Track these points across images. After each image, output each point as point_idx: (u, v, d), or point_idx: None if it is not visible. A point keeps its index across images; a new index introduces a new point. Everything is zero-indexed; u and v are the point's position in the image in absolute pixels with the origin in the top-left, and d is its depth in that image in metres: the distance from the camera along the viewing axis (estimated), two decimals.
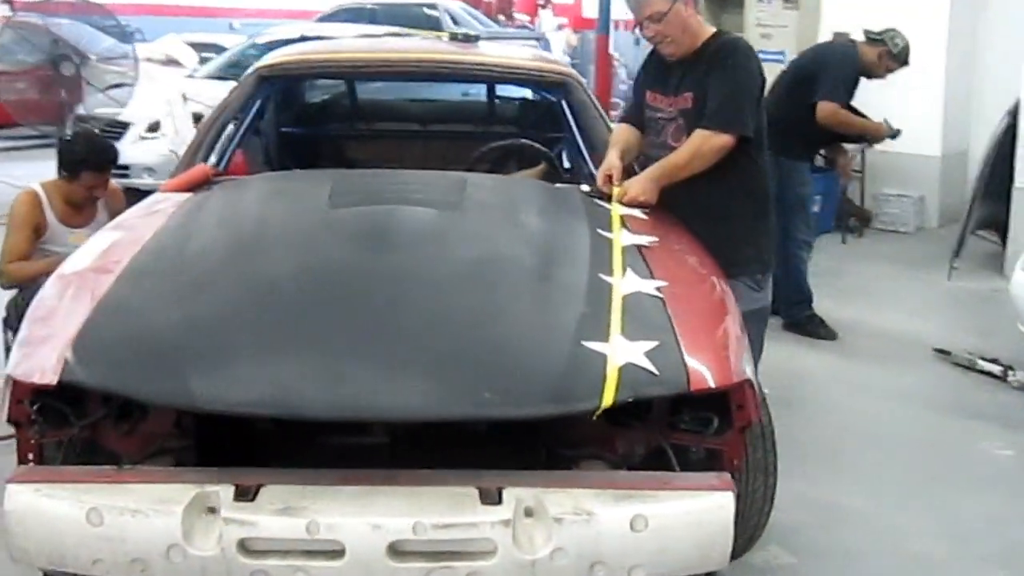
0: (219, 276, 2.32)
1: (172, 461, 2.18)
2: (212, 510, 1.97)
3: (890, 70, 5.00)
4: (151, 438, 2.22)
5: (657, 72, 3.18)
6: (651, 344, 2.18)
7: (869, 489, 3.44)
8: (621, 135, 3.27)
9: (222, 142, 3.49)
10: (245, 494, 1.97)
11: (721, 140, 2.94)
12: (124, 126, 7.33)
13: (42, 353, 2.12)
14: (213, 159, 3.42)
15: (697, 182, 3.01)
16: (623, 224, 2.81)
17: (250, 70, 3.78)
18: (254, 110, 3.66)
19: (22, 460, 2.20)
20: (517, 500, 1.98)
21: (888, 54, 4.91)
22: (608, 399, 2.05)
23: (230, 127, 3.54)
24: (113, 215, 4.09)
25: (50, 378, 2.06)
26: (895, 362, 4.72)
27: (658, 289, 2.41)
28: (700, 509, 2.04)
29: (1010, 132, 5.86)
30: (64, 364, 2.06)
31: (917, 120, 6.55)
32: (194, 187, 3.18)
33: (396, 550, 1.92)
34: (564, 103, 3.73)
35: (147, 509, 1.93)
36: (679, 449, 2.26)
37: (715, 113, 2.95)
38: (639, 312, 2.29)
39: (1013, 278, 4.39)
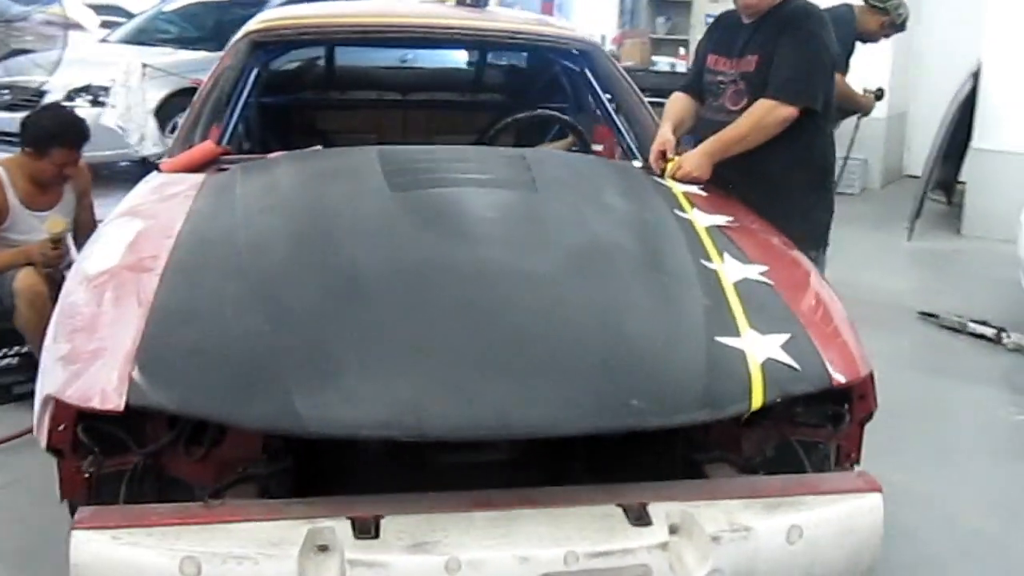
0: (295, 275, 2.01)
1: (256, 491, 1.89)
2: (324, 548, 1.70)
3: (886, 36, 4.90)
4: (227, 465, 1.92)
5: (722, 36, 3.01)
6: (783, 337, 1.99)
7: (901, 462, 3.34)
8: (676, 106, 3.07)
9: (218, 115, 3.14)
10: (366, 529, 1.70)
11: (786, 112, 2.76)
12: (40, 95, 6.74)
13: (97, 372, 1.79)
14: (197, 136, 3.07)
15: (755, 152, 2.83)
16: (690, 203, 2.61)
17: (239, 35, 3.39)
18: (250, 79, 3.30)
19: (67, 496, 1.89)
20: (666, 518, 1.78)
21: (891, 24, 4.80)
22: (758, 400, 1.85)
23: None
24: (81, 195, 3.69)
25: (115, 402, 1.73)
26: (884, 326, 4.65)
27: (762, 274, 2.22)
28: (852, 514, 1.87)
29: (972, 95, 5.89)
30: (130, 385, 1.75)
31: (866, 83, 6.55)
32: (200, 166, 2.85)
33: None
34: (589, 72, 3.48)
35: (255, 554, 1.64)
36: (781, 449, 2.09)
37: (782, 83, 2.76)
38: (756, 301, 2.10)
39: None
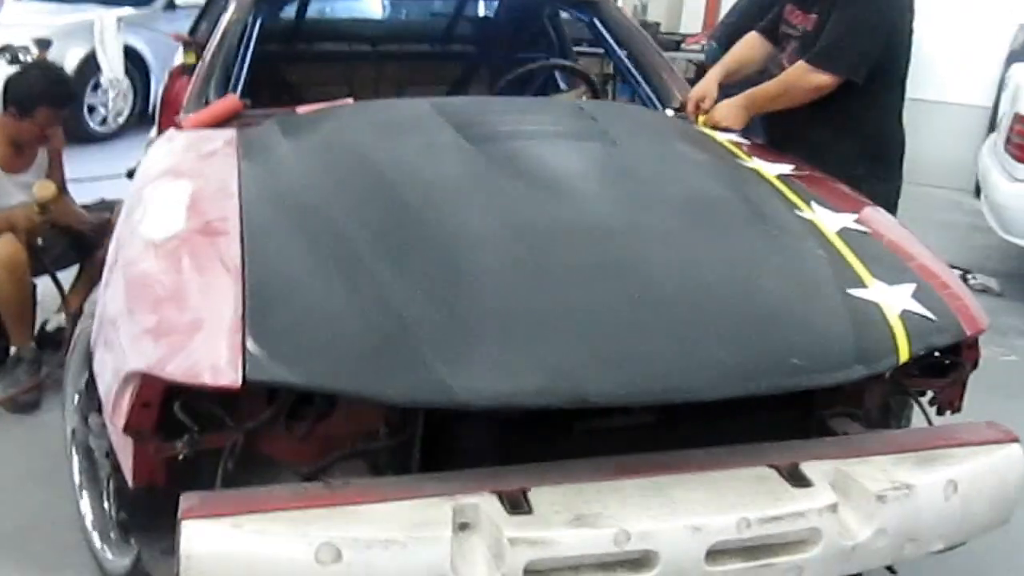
0: (400, 237, 1.80)
1: (366, 468, 1.70)
2: (465, 527, 1.53)
3: None
4: (330, 441, 1.73)
5: None
6: (910, 287, 1.88)
7: None
8: (739, 51, 2.91)
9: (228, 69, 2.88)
10: (517, 504, 1.54)
11: (819, 79, 2.57)
12: None
13: (201, 345, 1.58)
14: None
15: (797, 115, 2.66)
16: (744, 152, 2.48)
17: None
18: (256, 32, 3.04)
19: (142, 481, 1.68)
20: (824, 477, 1.66)
21: None
22: (904, 353, 1.74)
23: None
24: (53, 156, 3.39)
25: (231, 377, 1.52)
26: None
27: (856, 223, 2.11)
28: (998, 465, 1.78)
29: None
30: (245, 358, 1.54)
31: None
32: (223, 122, 2.61)
33: (713, 552, 1.56)
34: (598, 22, 3.31)
35: (403, 538, 1.46)
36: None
37: (823, 49, 2.57)
38: (866, 251, 1.98)
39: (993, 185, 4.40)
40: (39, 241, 3.23)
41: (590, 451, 1.70)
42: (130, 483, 1.69)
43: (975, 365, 2.01)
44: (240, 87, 2.84)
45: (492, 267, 1.73)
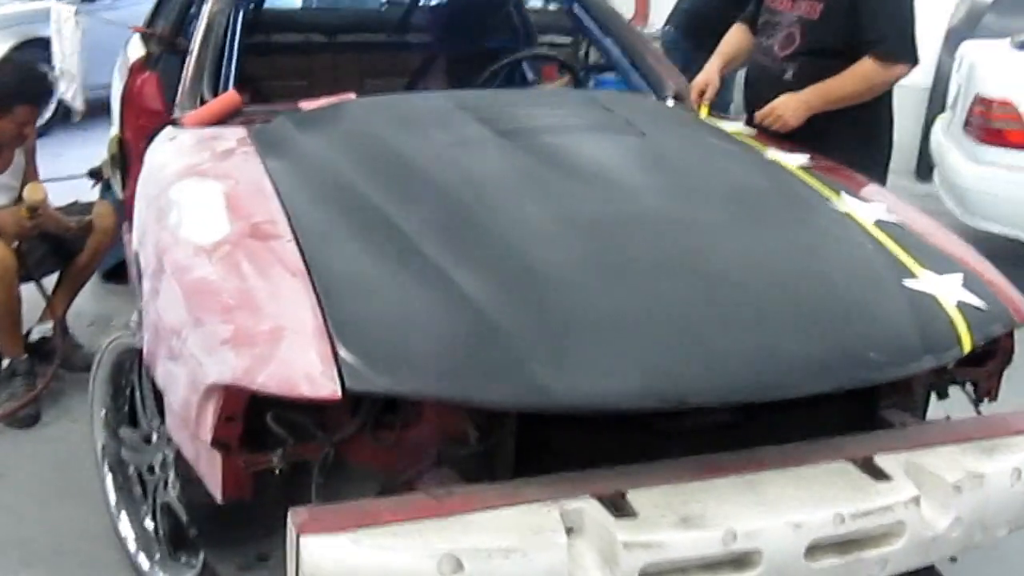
0: (464, 236, 1.78)
1: (456, 476, 1.67)
2: (571, 531, 1.52)
3: None
4: (416, 448, 1.69)
5: None
6: (958, 277, 1.93)
7: None
8: (732, 40, 2.91)
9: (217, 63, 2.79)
10: (620, 507, 1.53)
11: (899, 71, 2.59)
12: None
13: (288, 355, 1.52)
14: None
15: (789, 88, 2.64)
16: (758, 142, 2.52)
17: None
18: (239, 23, 2.95)
19: (231, 495, 1.62)
20: (901, 470, 1.70)
21: None
22: (967, 343, 1.79)
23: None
24: (28, 156, 3.23)
25: (330, 388, 1.48)
26: None
27: (889, 212, 2.16)
28: None
29: None
30: (341, 367, 1.49)
31: None
32: (224, 118, 2.53)
33: (811, 548, 1.58)
34: (580, 10, 3.29)
35: (522, 545, 1.44)
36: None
37: (895, 41, 2.57)
38: (907, 241, 2.02)
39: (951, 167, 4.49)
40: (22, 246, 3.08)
41: (668, 450, 1.70)
42: (218, 498, 1.63)
43: (1012, 353, 2.08)
44: (231, 82, 2.76)
45: (568, 264, 1.72)
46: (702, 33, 3.18)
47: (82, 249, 3.24)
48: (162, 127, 3.65)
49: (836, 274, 1.83)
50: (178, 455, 1.93)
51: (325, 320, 1.57)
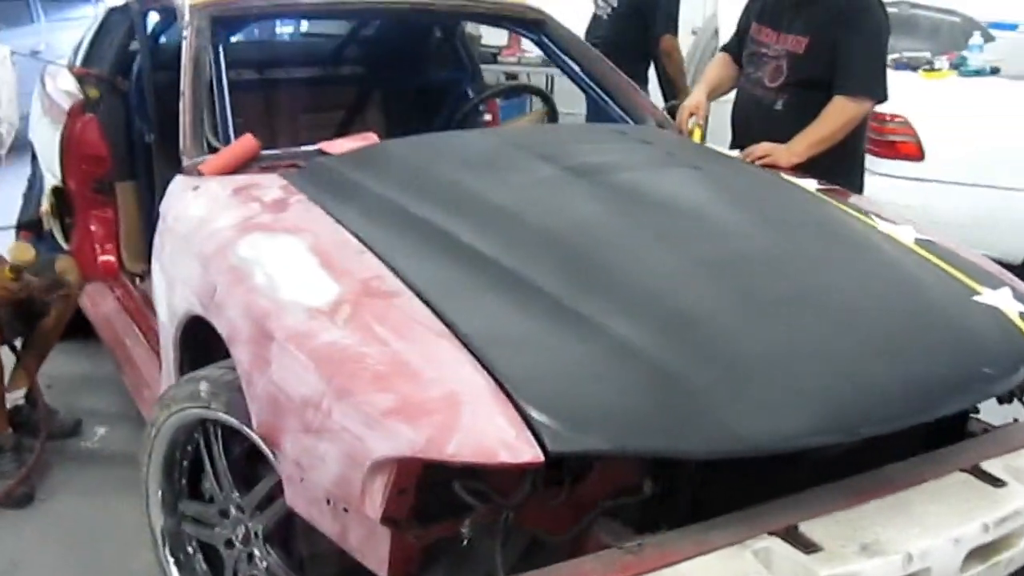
0: (599, 281, 1.70)
1: (625, 527, 1.58)
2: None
3: None
4: (585, 503, 1.60)
5: (770, 4, 2.83)
6: (1008, 290, 2.02)
7: None
8: (715, 69, 2.96)
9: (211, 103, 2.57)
10: (802, 541, 1.50)
11: (865, 108, 2.70)
12: None
13: (474, 421, 1.41)
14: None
15: (782, 130, 2.69)
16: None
17: (190, 11, 2.73)
18: (223, 62, 2.73)
19: (400, 570, 1.50)
20: (1008, 474, 1.75)
21: None
22: None
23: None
24: None
25: (531, 453, 1.37)
26: None
27: (918, 231, 2.23)
28: None
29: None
30: (539, 430, 1.39)
31: None
32: (243, 165, 2.34)
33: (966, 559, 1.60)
34: (548, 41, 3.23)
35: None
36: None
37: (860, 78, 2.66)
38: (951, 259, 2.10)
39: None
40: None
41: (794, 479, 1.69)
42: (382, 575, 1.49)
43: None
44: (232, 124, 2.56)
45: (715, 305, 1.68)
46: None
47: (47, 309, 2.93)
48: (104, 175, 3.42)
49: (934, 297, 1.87)
50: (283, 527, 1.79)
51: (498, 382, 1.47)
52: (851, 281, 1.85)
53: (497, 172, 2.12)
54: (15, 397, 2.90)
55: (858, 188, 2.90)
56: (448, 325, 1.59)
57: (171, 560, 2.09)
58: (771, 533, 1.52)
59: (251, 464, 1.95)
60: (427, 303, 1.65)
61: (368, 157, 2.27)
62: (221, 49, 2.71)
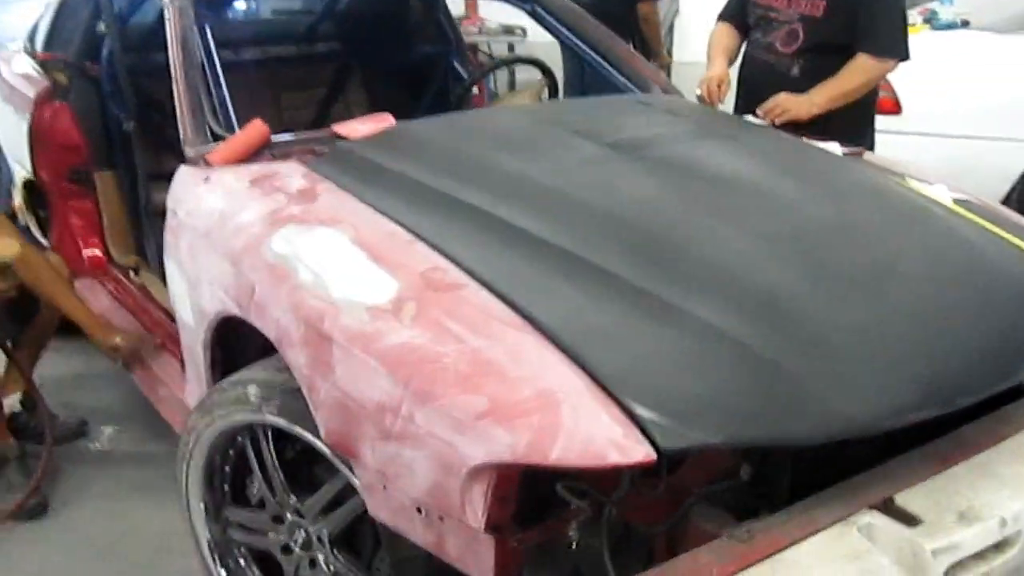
0: (675, 264, 1.61)
1: (725, 513, 1.51)
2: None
3: None
4: (681, 492, 1.53)
5: None
6: None
7: None
8: (723, 40, 2.84)
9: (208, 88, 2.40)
10: (901, 515, 1.45)
11: (888, 67, 2.63)
12: None
13: (576, 422, 1.32)
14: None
15: (800, 88, 2.62)
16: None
17: None
18: (211, 43, 2.55)
19: (507, 573, 1.42)
20: None
21: None
22: None
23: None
24: None
25: (643, 451, 1.29)
26: None
27: (951, 190, 2.18)
28: None
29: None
30: (647, 427, 1.30)
31: None
32: (253, 153, 2.19)
33: None
34: (542, 11, 3.10)
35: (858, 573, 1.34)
36: None
37: (889, 40, 2.59)
38: (997, 219, 2.02)
39: None
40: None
41: (863, 452, 1.64)
42: None
43: None
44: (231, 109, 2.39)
45: (795, 283, 1.60)
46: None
47: (37, 307, 2.73)
48: (80, 165, 3.20)
49: (993, 258, 1.82)
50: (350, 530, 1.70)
51: (594, 378, 1.38)
52: (914, 248, 1.79)
53: (537, 151, 2.00)
54: (10, 403, 2.72)
55: (870, 147, 2.85)
56: (526, 318, 1.49)
57: (223, 572, 1.99)
58: (870, 507, 1.47)
59: (305, 466, 1.85)
60: (497, 294, 1.55)
61: (393, 140, 2.13)
62: (207, 29, 2.53)
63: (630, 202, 1.80)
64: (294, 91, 3.75)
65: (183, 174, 2.21)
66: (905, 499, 1.49)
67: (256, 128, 2.23)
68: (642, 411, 1.33)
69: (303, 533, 1.83)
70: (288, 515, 1.85)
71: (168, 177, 3.36)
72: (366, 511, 1.69)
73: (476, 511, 1.36)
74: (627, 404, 1.34)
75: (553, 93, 3.07)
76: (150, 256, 3.11)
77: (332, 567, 1.79)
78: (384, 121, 2.30)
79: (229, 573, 2.00)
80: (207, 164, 2.18)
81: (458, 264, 1.63)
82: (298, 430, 1.72)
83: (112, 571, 2.29)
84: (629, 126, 2.16)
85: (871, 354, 1.50)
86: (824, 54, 2.63)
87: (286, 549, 1.87)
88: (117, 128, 3.13)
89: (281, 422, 1.75)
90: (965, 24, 4.18)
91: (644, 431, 1.31)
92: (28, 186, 3.38)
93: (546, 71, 3.14)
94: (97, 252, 3.21)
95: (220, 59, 3.63)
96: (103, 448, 2.83)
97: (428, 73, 3.61)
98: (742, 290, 1.57)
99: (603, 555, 1.42)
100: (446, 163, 1.97)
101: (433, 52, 3.59)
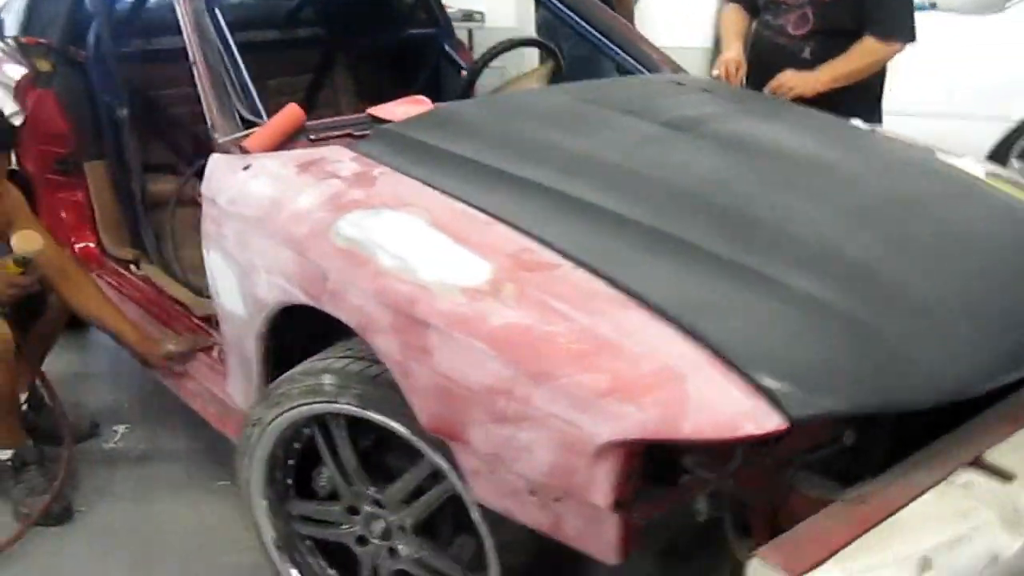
0: (759, 236, 1.62)
1: (823, 480, 1.53)
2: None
3: None
4: (780, 461, 1.54)
5: None
6: None
7: None
8: (736, 23, 2.85)
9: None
10: (993, 470, 1.49)
11: (895, 49, 2.66)
12: None
13: (702, 395, 1.32)
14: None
15: (806, 66, 2.67)
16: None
17: None
18: (224, 26, 2.45)
19: (626, 554, 1.42)
20: None
21: None
22: None
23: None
24: (5, 224, 2.50)
25: (775, 421, 1.30)
26: None
27: (976, 162, 2.23)
28: None
29: None
30: (773, 396, 1.31)
31: None
32: (289, 138, 2.13)
33: None
34: None
35: (967, 531, 1.36)
36: None
37: (895, 23, 2.63)
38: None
39: None
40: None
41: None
42: (613, 560, 1.41)
43: None
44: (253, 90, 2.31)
45: (880, 254, 1.62)
46: None
47: (44, 304, 2.61)
48: (66, 155, 3.06)
49: None
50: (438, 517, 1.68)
51: (711, 351, 1.38)
52: (975, 218, 1.83)
53: (592, 130, 1.98)
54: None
55: (879, 124, 2.90)
56: (629, 294, 1.48)
57: (290, 567, 1.94)
58: (966, 466, 1.50)
59: (376, 456, 1.82)
60: (593, 272, 1.53)
61: (439, 121, 2.08)
62: (218, 13, 2.44)
63: (703, 178, 1.80)
64: (279, 77, 3.65)
65: (218, 162, 2.13)
66: (994, 455, 1.53)
67: (293, 113, 2.16)
68: (769, 381, 1.34)
69: (382, 523, 1.80)
70: (365, 506, 1.81)
71: (157, 168, 3.32)
72: (450, 497, 1.68)
73: (603, 489, 1.35)
74: (751, 375, 1.34)
75: (557, 74, 3.05)
76: (149, 248, 3.00)
77: (417, 555, 1.77)
78: (421, 103, 2.26)
79: (297, 568, 1.95)
80: (242, 151, 2.11)
81: (545, 243, 1.61)
82: (380, 418, 1.68)
83: (148, 571, 2.21)
84: (675, 105, 2.17)
85: (967, 318, 1.53)
86: (834, 37, 2.67)
87: (362, 540, 1.84)
88: (108, 116, 3.00)
89: (361, 411, 1.70)
90: (933, 6, 4.31)
91: (772, 401, 1.32)
92: (11, 176, 3.21)
93: (552, 52, 3.12)
94: (91, 245, 3.08)
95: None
96: (117, 447, 2.72)
97: (418, 56, 3.55)
98: (833, 261, 1.59)
99: (712, 528, 1.43)
100: (504, 143, 1.94)
101: (423, 35, 3.54)
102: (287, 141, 2.12)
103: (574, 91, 2.26)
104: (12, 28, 3.35)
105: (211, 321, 2.44)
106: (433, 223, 1.70)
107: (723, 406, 1.32)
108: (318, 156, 2.02)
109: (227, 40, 2.36)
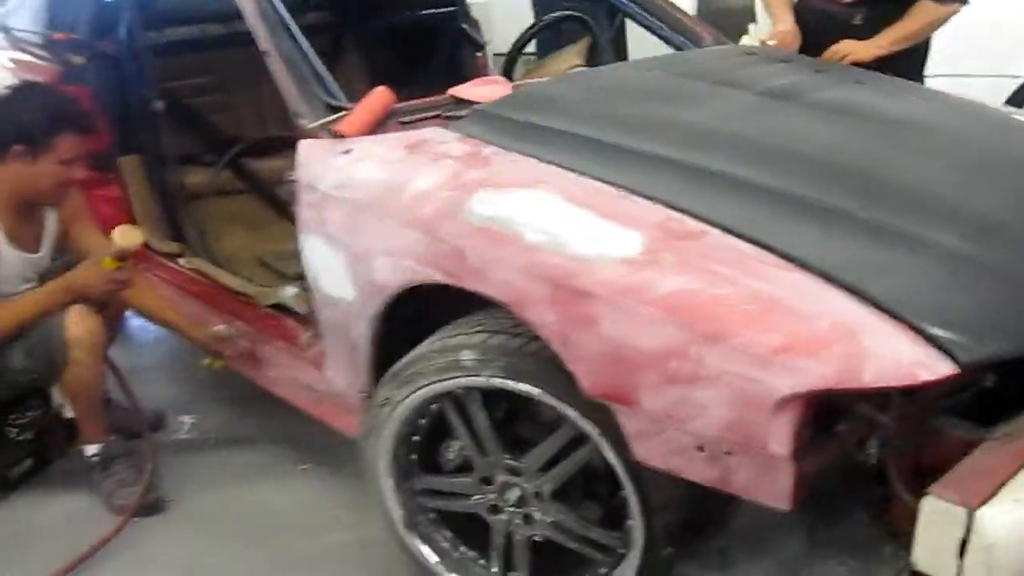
0: (889, 197, 1.70)
1: (964, 423, 1.59)
2: None
3: None
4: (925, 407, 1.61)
5: None
6: None
7: None
8: None
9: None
10: None
11: (951, 10, 2.72)
12: None
13: (875, 347, 1.40)
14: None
15: (861, 37, 2.72)
16: None
17: None
18: (284, 11, 2.42)
19: (798, 504, 1.50)
20: None
21: None
22: None
23: None
24: (68, 223, 2.45)
25: (946, 367, 1.38)
26: None
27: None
28: None
29: None
30: (940, 344, 1.40)
31: None
32: (381, 122, 2.14)
33: None
34: None
35: None
36: None
37: None
38: None
39: None
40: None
41: None
42: (786, 507, 1.49)
43: None
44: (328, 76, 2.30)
45: (1001, 207, 1.71)
46: None
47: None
48: (104, 150, 2.97)
49: None
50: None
51: (875, 305, 1.46)
52: None
53: (696, 103, 2.04)
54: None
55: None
56: (783, 256, 1.55)
57: (419, 542, 1.97)
58: None
59: (507, 427, 1.86)
60: (742, 238, 1.60)
61: (532, 101, 2.12)
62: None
63: (822, 144, 1.88)
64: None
65: (312, 148, 2.11)
66: None
67: (384, 95, 2.17)
68: (937, 331, 1.42)
69: (517, 491, 1.84)
70: (499, 475, 1.85)
71: (190, 160, 3.26)
72: (588, 462, 1.74)
73: (782, 440, 1.42)
74: (919, 326, 1.43)
75: (594, 51, 3.08)
76: (190, 241, 2.96)
77: (552, 520, 1.81)
78: (497, 83, 2.29)
79: (425, 542, 1.98)
80: (335, 135, 2.11)
81: (687, 212, 1.67)
82: (524, 388, 1.72)
83: (260, 554, 2.20)
84: (764, 75, 2.24)
85: None
86: (885, 2, 2.73)
87: (494, 509, 1.88)
88: (142, 110, 2.94)
89: (505, 383, 1.74)
90: None
91: (941, 349, 1.41)
92: None
93: (590, 28, 3.12)
94: None
95: (210, 33, 3.50)
96: (190, 438, 2.69)
97: (436, 36, 3.54)
98: (965, 214, 1.68)
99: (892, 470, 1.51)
100: (614, 119, 1.99)
101: (440, 14, 3.53)
102: (379, 124, 2.14)
103: (651, 66, 2.32)
104: (27, 24, 3.26)
105: (281, 310, 2.43)
106: (571, 199, 1.74)
107: (899, 356, 1.40)
108: (422, 138, 2.04)
109: (290, 26, 2.34)
